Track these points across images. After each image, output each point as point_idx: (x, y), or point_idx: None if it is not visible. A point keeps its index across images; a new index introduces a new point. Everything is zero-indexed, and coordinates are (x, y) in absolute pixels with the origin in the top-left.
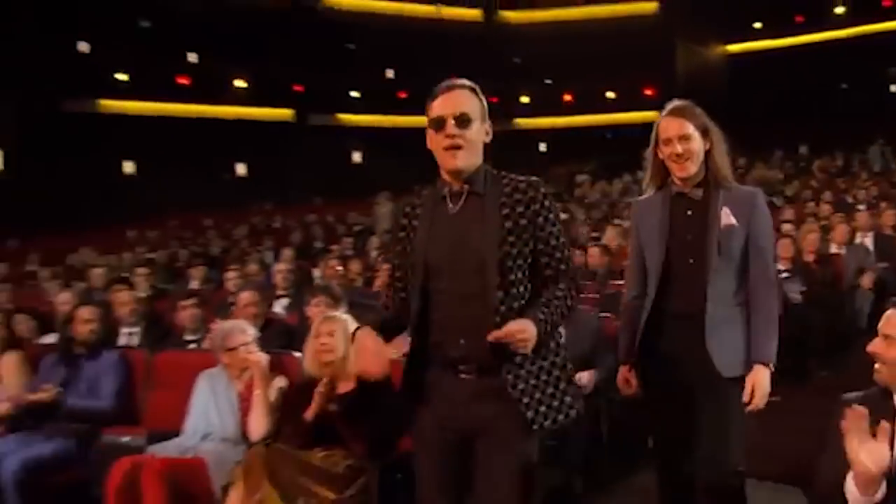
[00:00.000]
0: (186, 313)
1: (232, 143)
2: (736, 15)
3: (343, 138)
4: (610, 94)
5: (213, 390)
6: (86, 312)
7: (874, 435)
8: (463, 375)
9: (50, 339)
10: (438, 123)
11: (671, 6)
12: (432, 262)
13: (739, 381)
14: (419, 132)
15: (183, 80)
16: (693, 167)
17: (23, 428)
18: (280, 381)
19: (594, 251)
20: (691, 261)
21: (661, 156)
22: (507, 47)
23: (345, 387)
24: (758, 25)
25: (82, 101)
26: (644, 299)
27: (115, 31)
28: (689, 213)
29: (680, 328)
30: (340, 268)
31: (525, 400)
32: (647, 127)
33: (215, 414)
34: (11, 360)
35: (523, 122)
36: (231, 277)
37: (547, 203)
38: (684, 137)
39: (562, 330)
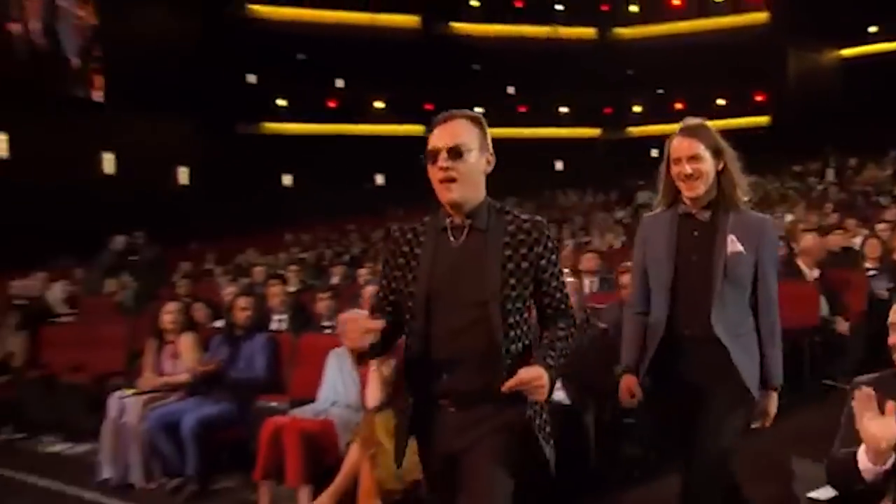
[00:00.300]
0: (323, 304)
1: (372, 157)
2: (850, 21)
3: None
4: (720, 101)
5: (339, 367)
6: (242, 302)
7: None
8: (449, 409)
9: (220, 323)
10: (432, 156)
11: (782, 15)
12: (433, 294)
13: (747, 399)
14: (538, 143)
15: (331, 104)
16: (702, 187)
17: (198, 393)
18: (393, 361)
19: None
20: (697, 282)
21: (672, 174)
22: (621, 61)
23: None
24: (873, 29)
25: (250, 124)
26: (647, 316)
27: (276, 64)
28: (696, 234)
29: (688, 347)
30: None
31: (540, 439)
32: (758, 131)
33: (341, 385)
34: (189, 339)
35: (636, 130)
36: (363, 274)
37: (549, 245)
38: (694, 158)
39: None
